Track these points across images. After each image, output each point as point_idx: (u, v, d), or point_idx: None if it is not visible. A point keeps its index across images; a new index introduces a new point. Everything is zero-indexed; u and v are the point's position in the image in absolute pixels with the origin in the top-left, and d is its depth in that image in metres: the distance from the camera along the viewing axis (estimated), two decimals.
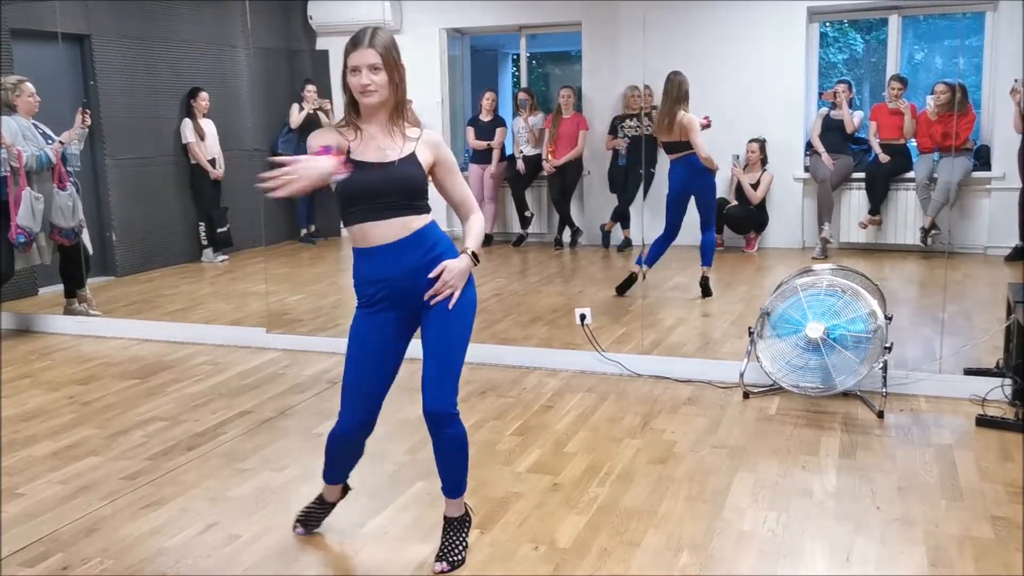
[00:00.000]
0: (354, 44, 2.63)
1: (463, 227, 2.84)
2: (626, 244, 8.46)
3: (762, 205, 8.28)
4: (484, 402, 4.31)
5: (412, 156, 2.67)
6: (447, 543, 2.78)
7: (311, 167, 2.42)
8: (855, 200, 8.22)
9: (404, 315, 2.71)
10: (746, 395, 4.27)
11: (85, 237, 6.06)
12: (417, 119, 8.86)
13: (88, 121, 6.00)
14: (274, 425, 4.06)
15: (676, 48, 8.27)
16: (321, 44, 9.75)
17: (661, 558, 2.78)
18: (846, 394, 4.16)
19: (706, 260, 6.49)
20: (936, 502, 3.12)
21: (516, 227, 9.15)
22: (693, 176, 6.30)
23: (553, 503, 3.17)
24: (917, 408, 4.10)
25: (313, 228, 9.52)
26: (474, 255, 2.75)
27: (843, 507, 3.10)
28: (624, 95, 8.51)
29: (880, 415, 3.95)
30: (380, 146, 2.65)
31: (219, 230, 8.33)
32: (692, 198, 6.42)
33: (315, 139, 2.64)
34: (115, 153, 7.66)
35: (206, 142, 8.27)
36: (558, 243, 8.82)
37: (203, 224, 8.32)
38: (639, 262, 6.35)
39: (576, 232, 8.85)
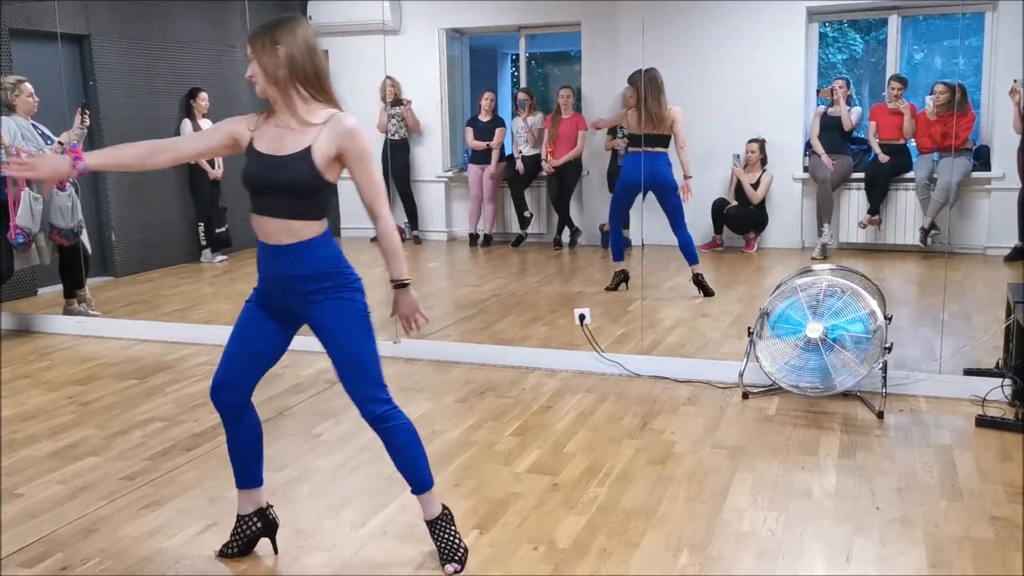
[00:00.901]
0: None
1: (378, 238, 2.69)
2: (626, 243, 8.45)
3: (762, 205, 8.29)
4: (483, 402, 4.30)
5: (305, 152, 2.52)
6: (443, 543, 2.74)
7: (45, 164, 2.65)
8: (855, 200, 8.23)
9: (280, 314, 2.69)
10: (745, 395, 4.27)
11: (84, 237, 6.06)
12: (416, 120, 8.89)
13: (87, 122, 6.00)
14: (273, 425, 4.05)
15: (675, 48, 8.29)
16: (320, 44, 9.74)
17: (660, 558, 2.77)
18: (846, 394, 4.16)
19: (691, 259, 6.46)
20: (936, 502, 3.12)
21: (515, 227, 9.16)
22: (667, 170, 6.36)
23: (552, 503, 3.17)
24: (917, 408, 4.10)
25: None
26: (403, 284, 2.69)
27: (842, 507, 3.10)
28: (623, 95, 8.50)
29: (880, 415, 3.95)
30: (281, 137, 2.56)
31: (218, 230, 8.33)
32: (654, 195, 6.44)
33: (228, 122, 2.68)
34: None
35: None
36: (557, 243, 8.82)
37: (202, 224, 8.32)
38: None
39: (575, 232, 8.86)
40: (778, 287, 4.43)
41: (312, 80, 2.61)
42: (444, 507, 2.79)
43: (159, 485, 3.40)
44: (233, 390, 2.72)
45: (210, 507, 3.19)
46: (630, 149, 6.51)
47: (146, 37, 7.92)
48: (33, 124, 5.75)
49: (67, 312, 6.08)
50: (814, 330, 4.07)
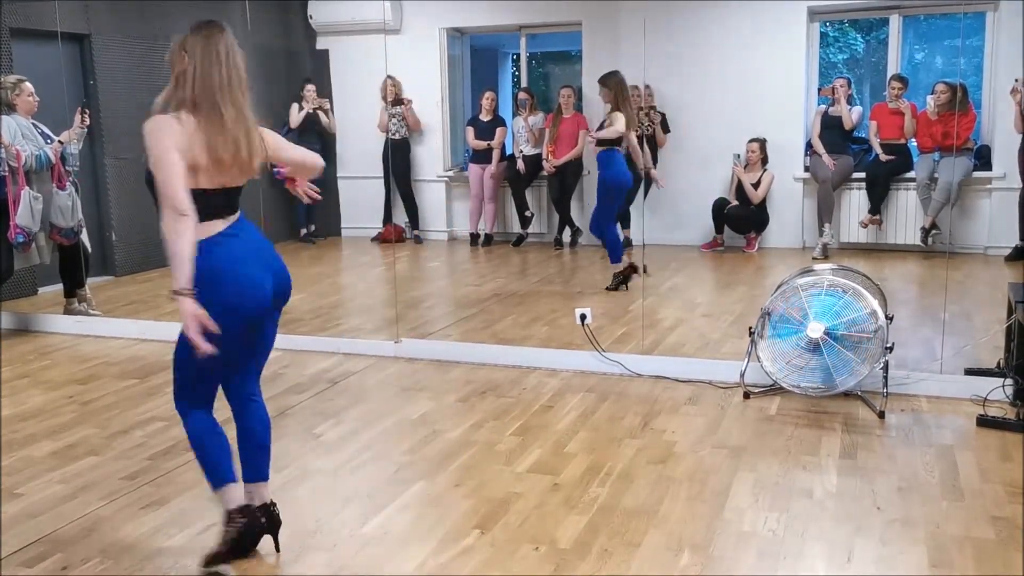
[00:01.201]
0: None
1: None
2: (626, 243, 8.43)
3: (762, 205, 8.28)
4: (484, 402, 4.30)
5: None
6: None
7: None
8: (855, 200, 8.22)
9: None
10: (746, 395, 4.27)
11: (84, 237, 6.06)
12: (416, 119, 8.87)
13: (87, 121, 5.99)
14: (274, 425, 4.01)
15: (676, 48, 8.30)
16: (321, 44, 9.75)
17: (661, 558, 2.77)
18: (847, 394, 4.16)
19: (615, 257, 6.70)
20: (937, 502, 3.12)
21: (516, 227, 9.15)
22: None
23: (553, 503, 3.17)
24: (918, 408, 4.09)
25: (312, 228, 9.52)
26: (176, 292, 2.47)
27: (844, 507, 3.09)
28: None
29: (881, 415, 3.95)
30: None
31: None
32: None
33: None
34: (115, 153, 7.65)
35: None
36: (558, 243, 8.82)
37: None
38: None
39: (576, 232, 8.85)
40: (779, 287, 4.42)
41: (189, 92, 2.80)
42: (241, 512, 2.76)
43: (159, 485, 3.40)
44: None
45: (211, 507, 3.17)
46: (619, 149, 6.64)
47: (146, 36, 7.91)
48: (33, 123, 5.75)
49: (67, 311, 6.08)
50: (815, 330, 4.07)
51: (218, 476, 2.74)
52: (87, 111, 6.03)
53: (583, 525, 2.99)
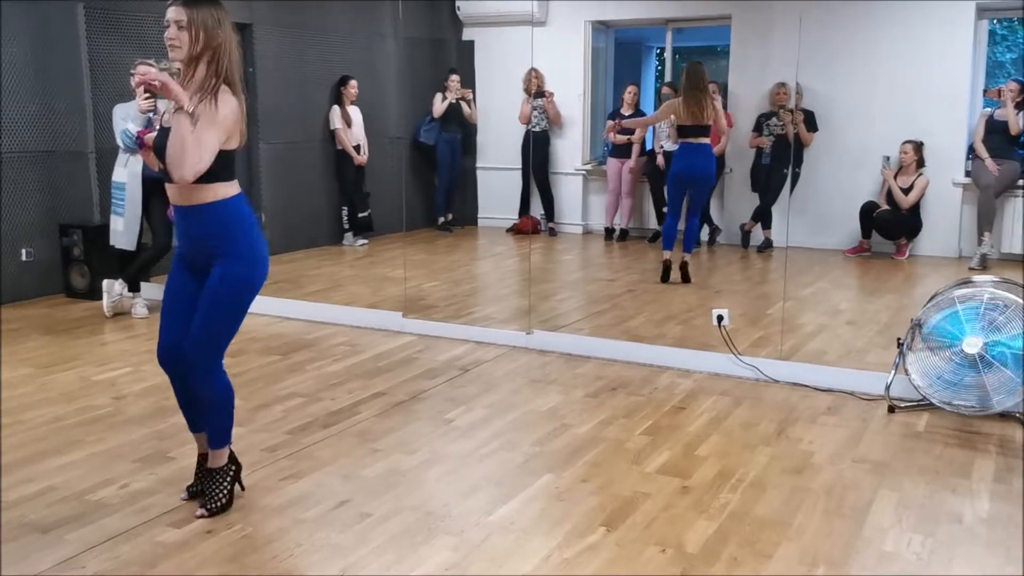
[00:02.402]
0: (170, 2, 2.80)
1: None
2: (767, 245, 8.22)
3: (915, 210, 7.87)
4: (614, 399, 4.26)
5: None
6: (209, 489, 3.04)
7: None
8: (1020, 208, 7.70)
9: (194, 277, 2.95)
10: (891, 409, 4.07)
11: None
12: (557, 112, 8.88)
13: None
14: (407, 408, 4.13)
15: (831, 45, 7.99)
16: (467, 35, 9.88)
17: (794, 572, 2.67)
18: (1003, 415, 3.91)
19: (688, 246, 6.86)
20: None
21: (652, 223, 9.03)
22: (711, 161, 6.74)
23: (682, 506, 3.10)
24: None
25: (450, 216, 9.67)
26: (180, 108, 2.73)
27: (996, 535, 2.90)
28: (771, 92, 8.26)
29: None
30: (173, 109, 2.76)
31: (360, 215, 8.57)
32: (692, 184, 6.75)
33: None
34: (268, 137, 7.98)
35: (352, 129, 8.51)
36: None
37: (346, 208, 8.57)
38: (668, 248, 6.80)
39: (715, 230, 8.67)
40: (933, 297, 4.19)
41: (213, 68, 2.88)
42: (233, 461, 3.10)
43: (298, 459, 3.52)
44: (178, 348, 2.96)
45: (344, 484, 3.27)
46: (690, 140, 6.70)
47: (303, 26, 8.22)
48: None
49: None
50: (972, 345, 3.84)
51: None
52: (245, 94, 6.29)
53: (712, 531, 2.92)
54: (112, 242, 5.89)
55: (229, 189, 2.89)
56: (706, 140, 6.63)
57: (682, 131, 6.66)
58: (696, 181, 6.70)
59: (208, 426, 3.05)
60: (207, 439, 3.06)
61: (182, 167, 2.69)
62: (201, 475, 3.13)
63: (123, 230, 5.81)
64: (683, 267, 6.80)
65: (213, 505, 3.02)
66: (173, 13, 2.77)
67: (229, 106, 2.80)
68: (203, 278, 2.92)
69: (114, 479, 3.31)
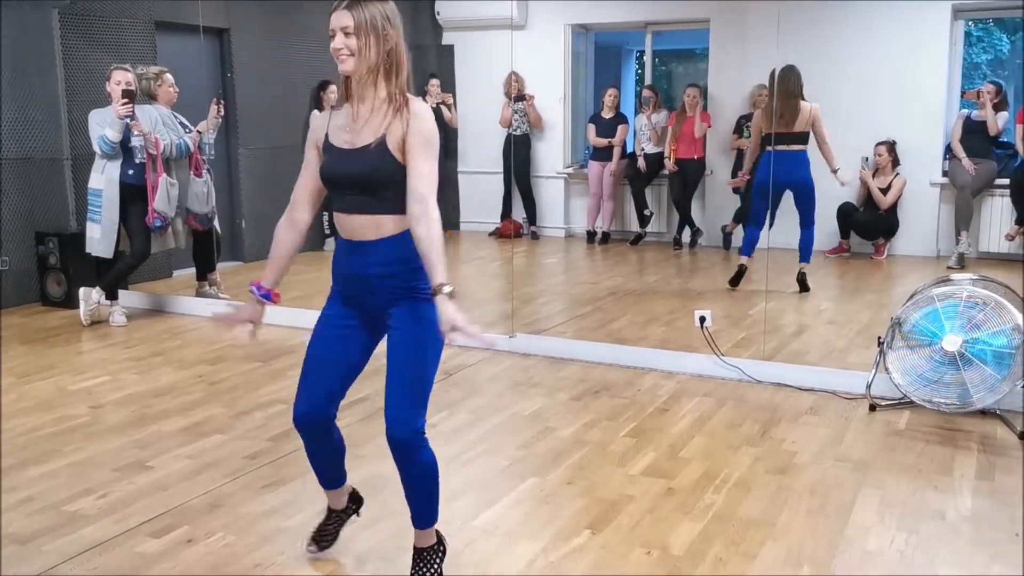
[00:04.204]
0: (334, 7, 2.34)
1: (414, 236, 2.31)
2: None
3: (892, 210, 7.92)
4: (598, 401, 4.25)
5: (381, 141, 2.34)
6: (419, 573, 2.58)
7: (245, 312, 2.63)
8: (997, 208, 7.76)
9: (364, 318, 2.51)
10: (873, 407, 4.08)
11: (216, 223, 6.30)
12: (538, 115, 8.80)
13: (222, 112, 6.23)
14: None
15: (808, 46, 8.00)
16: (447, 39, 9.86)
17: (779, 572, 2.67)
18: (984, 412, 3.93)
19: (805, 256, 6.61)
20: None
21: (634, 226, 9.04)
22: (803, 169, 6.51)
23: (667, 508, 3.10)
24: None
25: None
26: (448, 291, 2.25)
27: (979, 532, 2.91)
28: (751, 94, 8.29)
29: (1021, 436, 3.71)
30: (358, 128, 2.38)
31: None
32: (791, 193, 6.58)
33: (311, 125, 2.55)
34: (247, 143, 7.93)
35: None
36: (677, 243, 8.66)
37: (326, 214, 8.51)
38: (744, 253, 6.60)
39: (696, 232, 8.68)
40: (912, 296, 4.21)
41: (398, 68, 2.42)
42: (440, 539, 2.64)
43: (279, 466, 3.49)
44: (319, 412, 2.57)
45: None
46: (780, 148, 6.46)
47: (282, 31, 8.17)
48: (173, 113, 6.01)
49: (199, 294, 6.34)
50: (952, 343, 3.86)
51: None
52: (222, 102, 6.27)
53: (697, 532, 2.92)
54: (88, 249, 5.83)
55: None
56: (801, 147, 6.41)
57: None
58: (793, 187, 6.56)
59: (418, 503, 2.54)
60: (416, 517, 2.57)
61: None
62: (417, 559, 2.60)
63: (100, 237, 5.75)
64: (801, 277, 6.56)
65: None
66: (337, 19, 2.32)
67: (431, 120, 2.38)
68: (372, 326, 2.52)
69: (92, 489, 3.27)
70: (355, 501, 2.88)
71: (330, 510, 2.83)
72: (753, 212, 6.66)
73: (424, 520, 2.57)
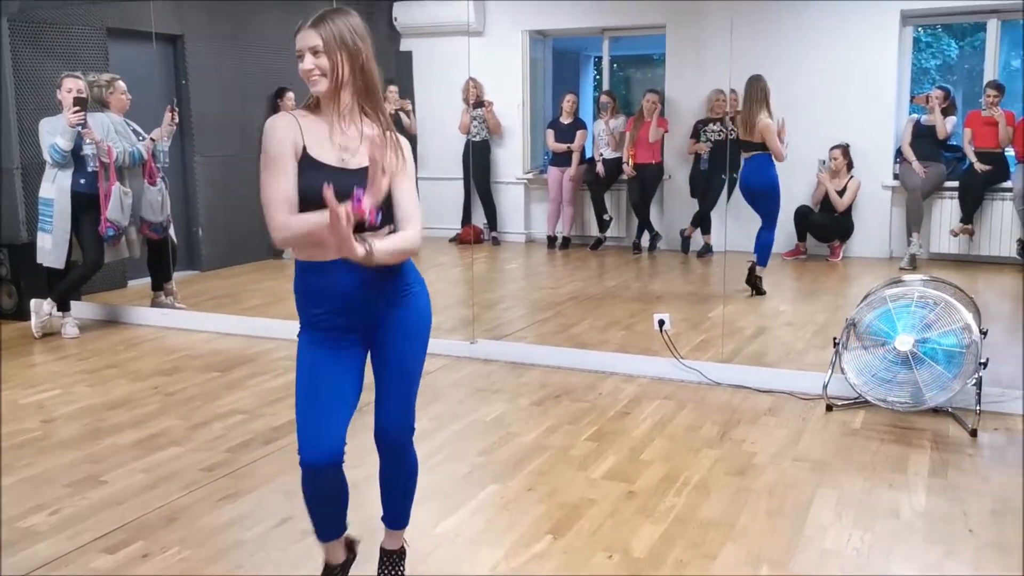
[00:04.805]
0: (298, 27, 2.26)
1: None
2: (706, 250, 8.32)
3: (847, 213, 8.05)
4: (559, 406, 4.26)
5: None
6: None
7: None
8: (947, 209, 7.93)
9: (350, 340, 2.37)
10: (829, 407, 4.14)
11: (171, 232, 6.22)
12: (497, 121, 8.80)
13: (176, 119, 6.15)
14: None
15: (762, 51, 8.11)
16: (405, 45, 9.84)
17: (739, 573, 2.69)
18: (936, 410, 4.00)
19: (761, 260, 6.62)
20: None
21: (594, 230, 9.09)
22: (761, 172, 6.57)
23: (628, 511, 3.11)
24: (1013, 427, 3.90)
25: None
26: (370, 247, 2.19)
27: (933, 529, 2.96)
28: (708, 99, 8.38)
29: (973, 433, 3.78)
30: (341, 145, 2.29)
31: None
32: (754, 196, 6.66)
33: (277, 126, 2.34)
34: (203, 151, 7.84)
35: None
36: (636, 247, 8.72)
37: None
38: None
39: (655, 236, 8.75)
40: (866, 297, 4.28)
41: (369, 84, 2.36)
42: (404, 545, 2.64)
43: (238, 477, 3.45)
44: (341, 447, 2.40)
45: (286, 501, 3.21)
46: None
47: (237, 37, 8.09)
48: (125, 121, 5.92)
49: (154, 304, 6.25)
50: (904, 342, 3.92)
51: None
52: (176, 110, 6.19)
53: (658, 535, 2.93)
54: (40, 260, 5.72)
55: None
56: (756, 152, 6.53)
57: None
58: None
59: (399, 505, 2.56)
60: (394, 519, 2.58)
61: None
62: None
63: (51, 248, 5.65)
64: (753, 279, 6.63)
65: None
66: (303, 39, 2.24)
67: (408, 149, 2.39)
68: (360, 343, 2.40)
69: (45, 504, 3.21)
70: (351, 550, 2.64)
71: (327, 567, 2.56)
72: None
73: (400, 521, 2.60)
